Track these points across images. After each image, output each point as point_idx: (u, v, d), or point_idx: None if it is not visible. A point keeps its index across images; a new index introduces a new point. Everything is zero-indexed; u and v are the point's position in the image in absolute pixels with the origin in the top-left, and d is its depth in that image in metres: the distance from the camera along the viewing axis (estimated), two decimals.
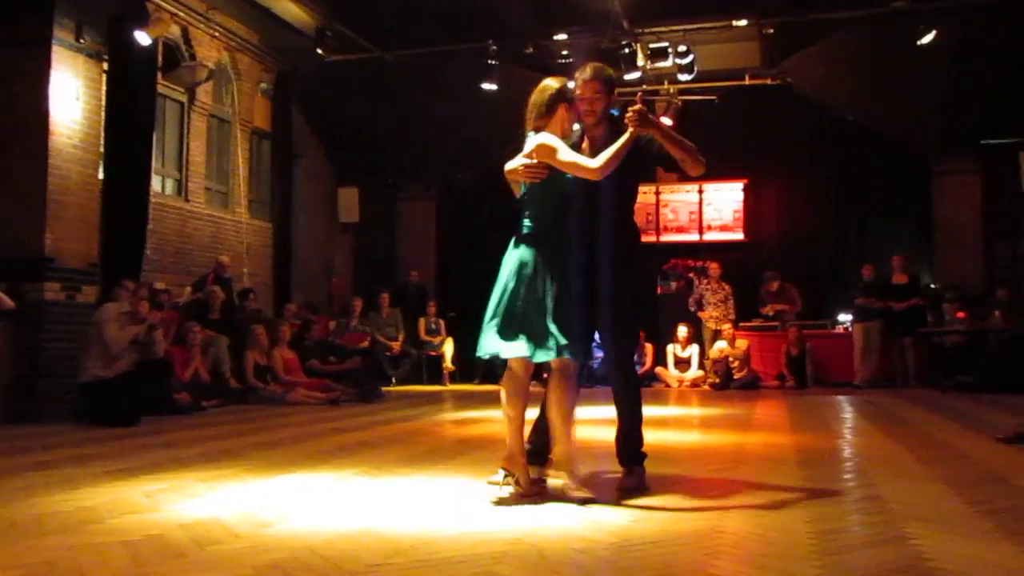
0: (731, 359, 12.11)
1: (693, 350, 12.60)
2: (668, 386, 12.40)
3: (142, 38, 9.08)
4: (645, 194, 13.84)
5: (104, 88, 8.80)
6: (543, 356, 3.90)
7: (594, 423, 6.17)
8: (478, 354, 4.05)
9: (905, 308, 11.75)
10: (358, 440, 6.38)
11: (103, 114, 8.81)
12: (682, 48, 11.60)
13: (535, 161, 3.96)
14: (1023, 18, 10.83)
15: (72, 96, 8.23)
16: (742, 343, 12.20)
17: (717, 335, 12.37)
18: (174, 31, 10.47)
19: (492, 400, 10.15)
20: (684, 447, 6.03)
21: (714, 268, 12.88)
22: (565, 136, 4.11)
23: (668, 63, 11.60)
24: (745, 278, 13.09)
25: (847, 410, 8.87)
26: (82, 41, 8.30)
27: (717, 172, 12.47)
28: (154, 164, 10.07)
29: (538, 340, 3.87)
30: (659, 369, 12.61)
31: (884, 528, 3.37)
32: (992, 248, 13.12)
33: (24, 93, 8.07)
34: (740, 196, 14.43)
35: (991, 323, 11.48)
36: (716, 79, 12.94)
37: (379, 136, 13.73)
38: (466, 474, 4.68)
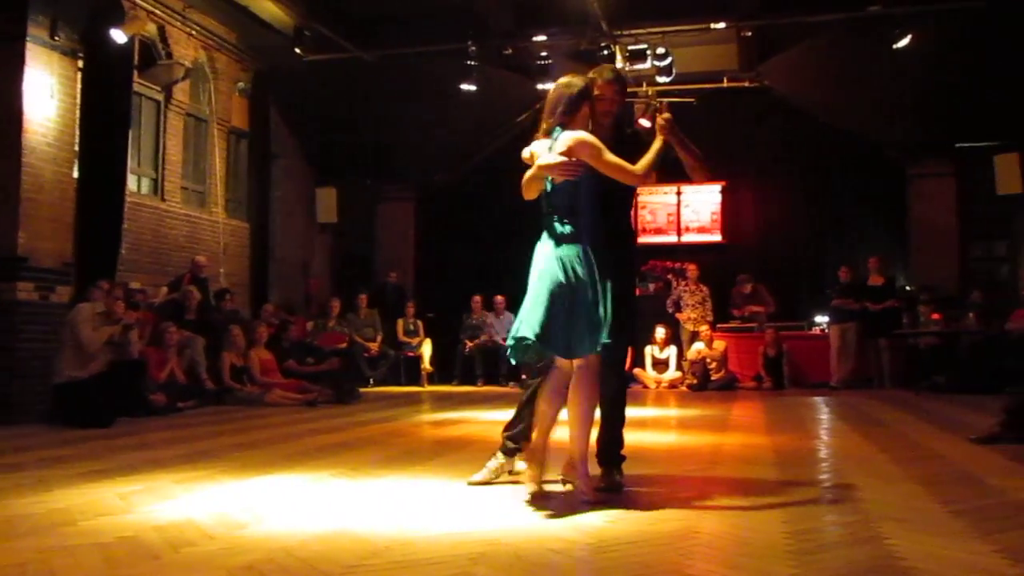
0: (709, 360, 12.16)
1: (671, 351, 12.64)
2: (646, 387, 12.43)
3: (118, 36, 8.99)
4: None
5: (79, 86, 8.71)
6: (582, 352, 3.86)
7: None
8: (517, 358, 4.00)
9: (881, 310, 11.84)
10: (335, 441, 6.35)
11: (78, 112, 8.71)
12: (660, 50, 11.64)
13: (573, 160, 3.88)
14: (997, 22, 10.95)
15: (46, 94, 8.14)
16: (720, 344, 12.26)
17: (695, 336, 12.42)
18: (150, 29, 10.39)
19: (470, 401, 10.17)
20: (662, 448, 6.05)
21: (692, 270, 12.93)
22: None
23: (646, 65, 11.64)
24: (722, 280, 13.15)
25: (823, 411, 8.93)
26: (57, 38, 8.21)
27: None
28: (130, 163, 9.97)
29: (588, 338, 3.83)
30: (637, 370, 12.63)
31: (859, 528, 3.39)
32: (967, 251, 13.27)
33: None
34: (718, 198, 14.50)
35: (965, 325, 11.59)
36: (694, 81, 12.98)
37: (358, 136, 13.69)
38: (444, 475, 4.67)
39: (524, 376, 12.42)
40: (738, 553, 3.07)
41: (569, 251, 3.89)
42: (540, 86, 12.78)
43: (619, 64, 11.66)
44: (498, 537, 3.24)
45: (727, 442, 6.31)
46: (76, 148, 8.79)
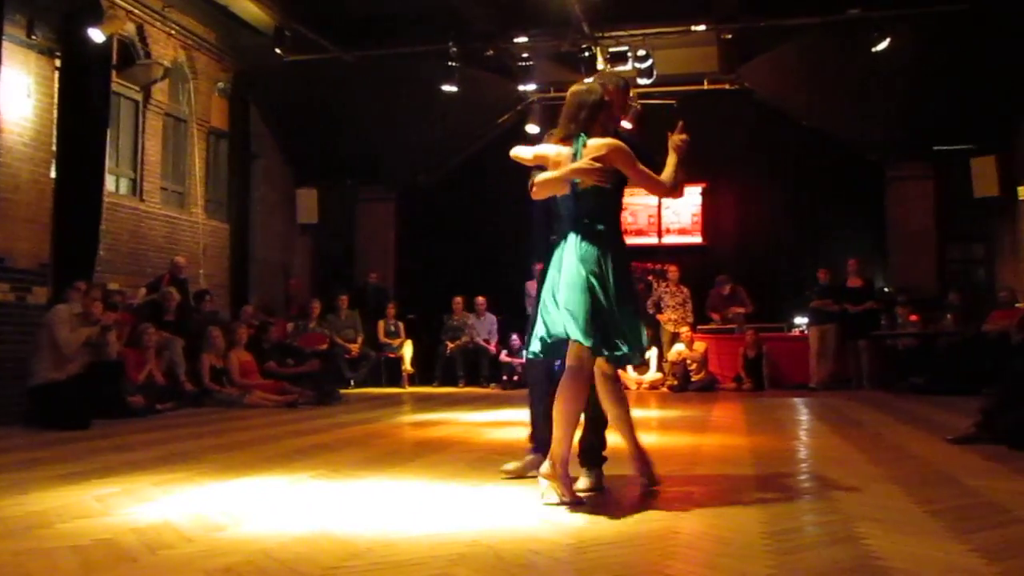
0: (689, 361, 12.20)
1: (651, 352, 12.66)
2: (627, 388, 12.41)
3: (96, 35, 8.92)
4: None
5: (56, 85, 8.65)
6: (615, 353, 3.91)
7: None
8: (538, 352, 4.01)
9: (860, 311, 11.92)
10: (315, 443, 6.33)
11: (55, 112, 8.65)
12: (641, 52, 11.70)
13: (608, 167, 3.90)
14: (975, 26, 11.05)
15: (23, 93, 8.08)
16: (700, 345, 12.30)
17: (675, 337, 12.46)
18: (129, 29, 10.32)
19: (451, 403, 10.16)
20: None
21: (672, 271, 12.97)
22: None
23: (627, 67, 11.68)
24: (703, 281, 13.21)
25: (802, 412, 8.98)
26: (34, 37, 8.16)
27: None
28: (108, 163, 9.90)
29: (620, 340, 3.87)
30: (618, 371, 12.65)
31: (837, 528, 3.41)
32: (944, 252, 13.40)
33: None
34: (698, 200, 14.57)
35: (943, 326, 11.70)
36: (675, 83, 13.04)
37: (338, 137, 13.64)
38: (424, 477, 4.66)
39: (505, 378, 12.55)
40: (717, 553, 3.08)
41: (594, 254, 3.90)
42: (521, 87, 12.84)
43: (600, 66, 11.70)
44: (479, 538, 3.23)
45: (707, 443, 6.33)
46: (53, 148, 8.72)
